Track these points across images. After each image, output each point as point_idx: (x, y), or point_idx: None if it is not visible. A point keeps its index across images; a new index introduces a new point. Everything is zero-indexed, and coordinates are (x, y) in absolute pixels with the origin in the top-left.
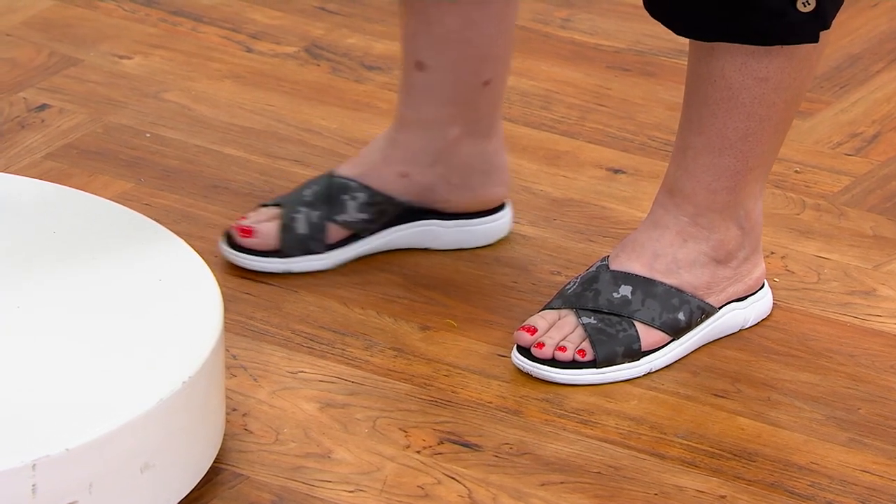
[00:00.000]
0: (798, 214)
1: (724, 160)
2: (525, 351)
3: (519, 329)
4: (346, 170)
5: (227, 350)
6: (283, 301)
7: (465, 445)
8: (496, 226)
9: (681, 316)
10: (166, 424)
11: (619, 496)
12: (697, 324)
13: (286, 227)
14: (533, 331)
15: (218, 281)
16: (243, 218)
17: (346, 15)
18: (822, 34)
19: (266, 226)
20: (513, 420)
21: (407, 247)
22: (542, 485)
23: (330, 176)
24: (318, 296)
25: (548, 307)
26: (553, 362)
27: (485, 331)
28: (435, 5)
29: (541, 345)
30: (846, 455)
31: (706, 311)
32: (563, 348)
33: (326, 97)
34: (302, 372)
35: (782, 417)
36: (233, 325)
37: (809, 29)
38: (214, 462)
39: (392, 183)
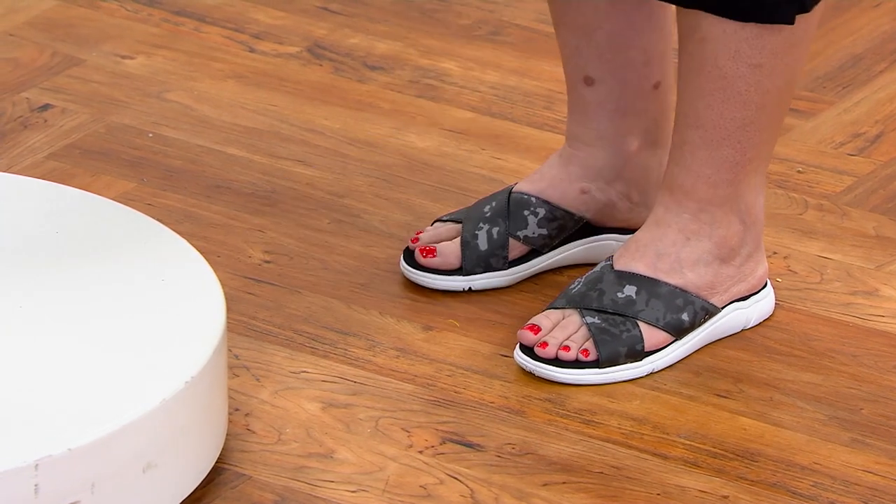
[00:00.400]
0: (801, 214)
1: (723, 152)
2: (528, 350)
3: (523, 328)
4: (525, 186)
5: (230, 350)
6: (286, 301)
7: (468, 445)
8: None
9: (685, 316)
10: (169, 424)
11: (622, 496)
12: (701, 324)
13: (467, 244)
14: (537, 330)
15: (220, 281)
16: (420, 232)
17: (348, 15)
18: (802, 18)
19: (448, 245)
20: (515, 420)
21: (583, 262)
22: (545, 485)
23: (509, 192)
24: (320, 296)
25: (552, 307)
26: (556, 362)
27: (487, 331)
28: (592, 14)
29: (544, 344)
30: (849, 455)
31: (710, 312)
32: (566, 348)
33: (329, 97)
34: (304, 372)
35: (785, 417)
36: (235, 325)
37: (785, 9)
38: (217, 462)
39: (573, 199)
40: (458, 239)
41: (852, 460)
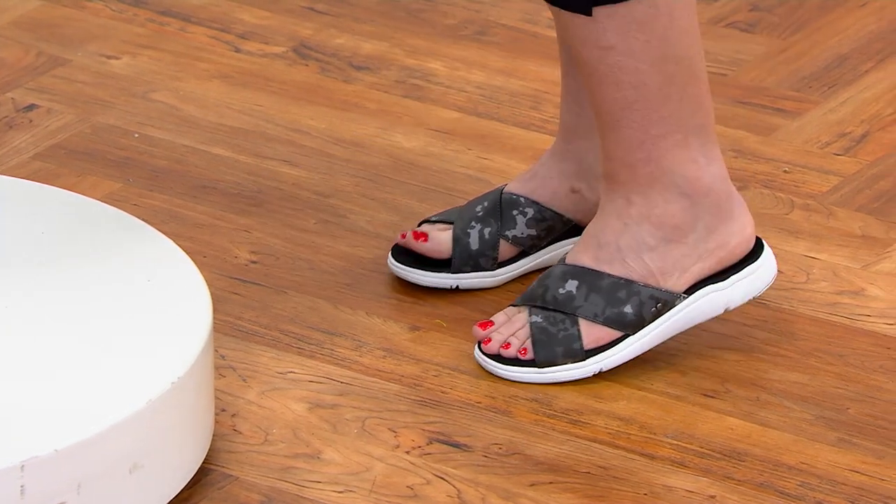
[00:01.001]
0: (787, 214)
1: (622, 133)
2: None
3: (478, 323)
4: (515, 186)
5: (216, 350)
6: (272, 301)
7: (455, 446)
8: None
9: (627, 309)
10: (155, 425)
11: (609, 496)
12: (656, 315)
13: (458, 240)
14: (487, 325)
15: (206, 281)
16: (403, 236)
17: (334, 15)
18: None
19: (440, 234)
20: (502, 420)
21: None
22: (532, 485)
23: (500, 192)
24: (306, 296)
25: (512, 304)
26: (500, 358)
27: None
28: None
29: (488, 340)
30: (835, 455)
31: (661, 300)
32: (507, 345)
33: (315, 97)
34: (291, 372)
35: (771, 417)
36: (221, 325)
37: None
38: (203, 463)
39: (563, 199)
40: (450, 233)
41: (839, 460)
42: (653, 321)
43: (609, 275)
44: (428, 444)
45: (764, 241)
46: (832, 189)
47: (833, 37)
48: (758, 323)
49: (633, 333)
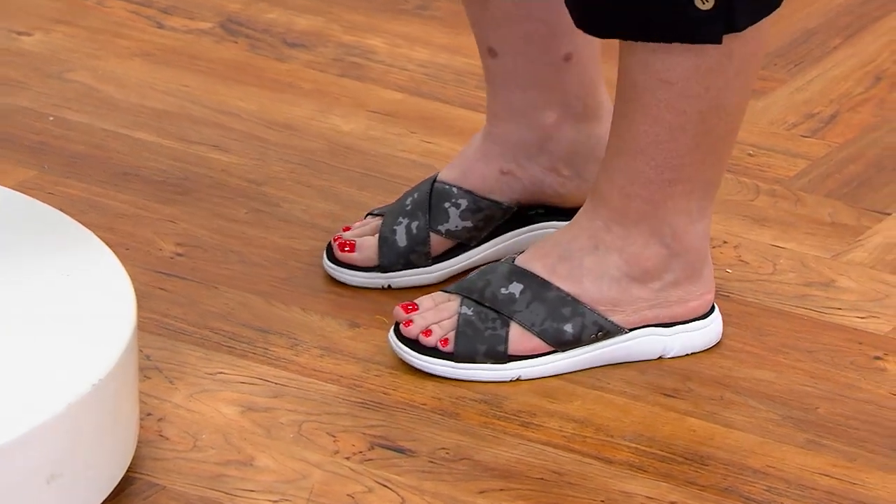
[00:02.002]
0: (752, 200)
1: (637, 164)
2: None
3: (400, 304)
4: (446, 173)
5: (141, 350)
6: (201, 297)
7: (398, 451)
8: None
9: (568, 328)
10: (75, 431)
11: (563, 503)
12: (592, 340)
13: (385, 240)
14: (413, 308)
15: (130, 276)
16: (347, 228)
17: None
18: (729, 38)
19: (367, 240)
20: (449, 423)
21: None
22: (481, 492)
23: (433, 181)
24: (238, 291)
25: (444, 290)
26: (416, 345)
27: None
28: None
29: (408, 322)
30: (804, 457)
31: (604, 329)
32: (428, 332)
33: (245, 77)
34: (221, 373)
35: (736, 418)
36: (146, 323)
37: (710, 29)
38: (127, 471)
39: (494, 183)
40: (377, 235)
41: (808, 463)
42: (587, 346)
43: (558, 288)
44: (369, 450)
45: (716, 306)
46: (800, 173)
47: (799, 10)
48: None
49: (562, 351)
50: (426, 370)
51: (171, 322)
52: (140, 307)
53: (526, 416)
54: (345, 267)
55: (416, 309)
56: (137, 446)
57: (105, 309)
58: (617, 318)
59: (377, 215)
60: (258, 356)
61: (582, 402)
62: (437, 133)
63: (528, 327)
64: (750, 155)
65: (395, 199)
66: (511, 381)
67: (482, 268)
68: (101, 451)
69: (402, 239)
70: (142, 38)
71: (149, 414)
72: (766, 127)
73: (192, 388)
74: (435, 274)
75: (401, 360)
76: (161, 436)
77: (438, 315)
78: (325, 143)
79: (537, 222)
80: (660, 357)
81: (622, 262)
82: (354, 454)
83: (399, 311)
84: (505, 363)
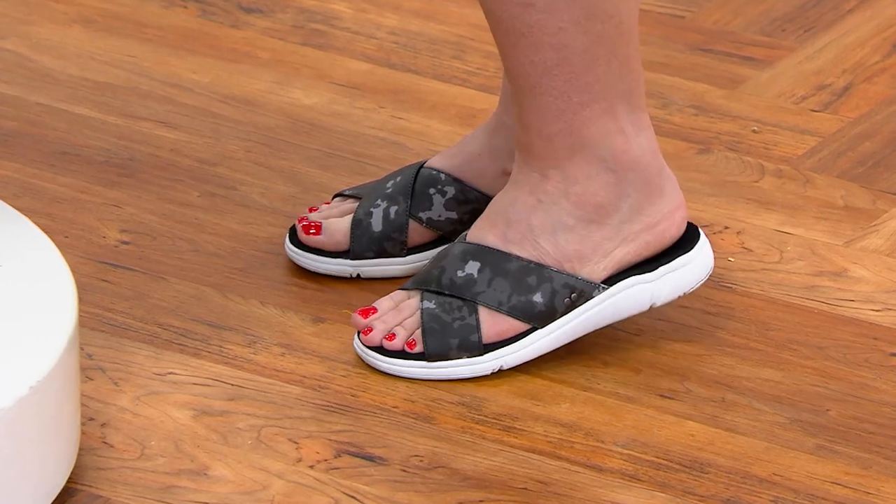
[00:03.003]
0: (756, 182)
1: (542, 100)
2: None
3: (358, 310)
4: (438, 160)
5: (82, 349)
6: (149, 289)
7: (367, 458)
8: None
9: (537, 298)
10: (10, 438)
11: None
12: (570, 307)
13: (359, 223)
14: (369, 312)
15: (70, 266)
16: (313, 209)
17: None
18: None
19: (336, 222)
20: (423, 428)
21: None
22: (459, 503)
23: (419, 166)
24: (189, 283)
25: (401, 287)
26: (382, 350)
27: None
28: None
29: (368, 330)
30: (814, 464)
31: (576, 289)
32: (391, 336)
33: (196, 46)
34: (172, 374)
35: (739, 421)
36: (88, 318)
37: None
38: (68, 482)
39: (492, 181)
40: (350, 217)
41: (818, 470)
42: (565, 314)
43: (518, 257)
44: (336, 458)
45: (700, 230)
46: (809, 152)
47: None
48: (723, 310)
49: (542, 327)
50: (399, 374)
51: (116, 317)
52: (81, 301)
53: (508, 420)
54: (310, 252)
55: (375, 312)
56: (79, 454)
57: (43, 303)
58: (586, 272)
59: (348, 196)
60: (212, 355)
61: (570, 405)
62: (408, 108)
63: (496, 307)
64: (754, 131)
65: (361, 181)
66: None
67: (436, 254)
68: (39, 460)
69: (377, 223)
70: (81, 2)
71: (91, 419)
72: (772, 100)
73: (140, 390)
74: (409, 265)
75: None
76: (105, 443)
77: (399, 315)
78: (285, 119)
79: None
80: (650, 306)
81: (572, 206)
82: (319, 462)
83: (357, 319)
84: (482, 354)
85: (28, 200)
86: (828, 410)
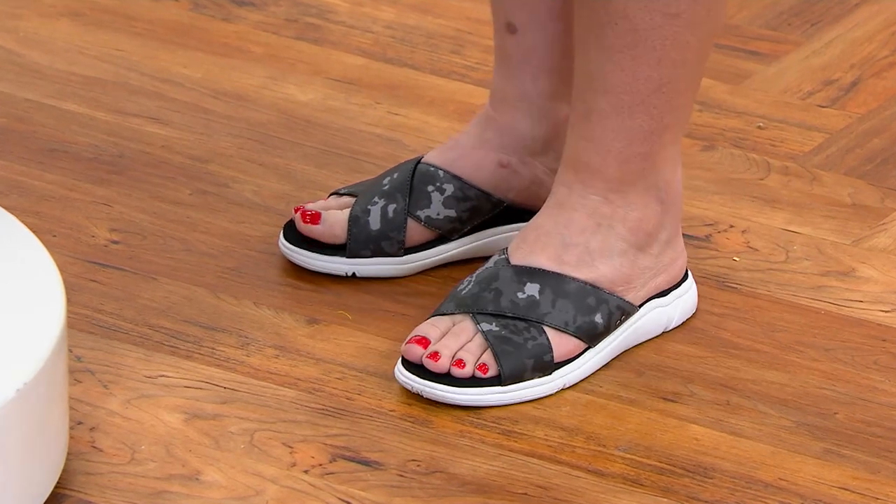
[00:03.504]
0: (762, 179)
1: (637, 121)
2: (413, 366)
3: (408, 341)
4: (434, 156)
5: (71, 351)
6: (139, 290)
7: (363, 463)
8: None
9: (598, 318)
10: None
11: None
12: (616, 326)
13: (356, 220)
14: (425, 342)
15: (58, 266)
16: (308, 202)
17: None
18: None
19: (335, 213)
20: (420, 432)
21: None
22: None
23: (416, 162)
24: (181, 283)
25: (438, 312)
26: (448, 378)
27: (385, 324)
28: None
29: (435, 355)
30: (821, 469)
31: (626, 312)
32: (460, 362)
33: (187, 40)
34: (163, 376)
35: (744, 425)
36: (77, 319)
37: None
38: (55, 487)
39: (490, 175)
40: (347, 211)
41: (825, 475)
42: (611, 334)
43: (575, 279)
44: (331, 462)
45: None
46: (816, 149)
47: None
48: (728, 311)
49: (594, 346)
50: (472, 404)
51: (106, 318)
52: (70, 302)
53: (508, 424)
54: (304, 248)
55: (428, 341)
56: (67, 459)
57: (30, 304)
58: (631, 297)
59: (343, 195)
60: (204, 357)
61: (571, 408)
62: (405, 103)
63: (563, 328)
64: (760, 128)
65: (358, 179)
66: (556, 392)
67: (475, 278)
68: (27, 465)
69: (375, 221)
70: None
71: (80, 422)
72: (779, 96)
73: (130, 393)
74: (406, 266)
75: (366, 361)
76: (94, 447)
77: (457, 340)
78: (279, 116)
79: (526, 220)
80: (664, 329)
81: (627, 233)
82: (314, 467)
83: (414, 349)
84: (551, 373)
85: (15, 198)
86: (835, 414)
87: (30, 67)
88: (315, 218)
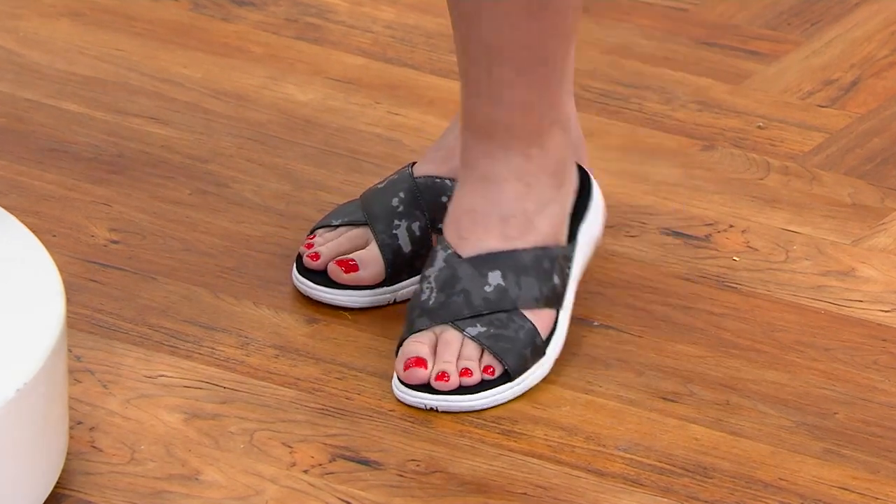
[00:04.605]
0: (761, 179)
1: (541, 71)
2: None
3: (405, 367)
4: (429, 167)
5: (70, 350)
6: (139, 290)
7: (363, 463)
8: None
9: (556, 279)
10: None
11: None
12: (567, 276)
13: (387, 247)
14: (423, 362)
15: (58, 266)
16: (309, 245)
17: None
18: None
19: (366, 254)
20: (420, 432)
21: None
22: None
23: (408, 177)
24: (181, 283)
25: (415, 329)
26: (460, 388)
27: (385, 323)
28: None
29: (443, 375)
30: (821, 469)
31: (568, 257)
32: (466, 371)
33: (187, 40)
34: (162, 376)
35: (744, 425)
36: (77, 319)
37: None
38: (55, 487)
39: None
40: (374, 244)
41: (825, 475)
42: (567, 286)
43: (525, 250)
44: (330, 462)
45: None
46: (816, 148)
47: None
48: (727, 311)
49: (561, 306)
50: (490, 406)
51: (105, 318)
52: (69, 301)
53: (507, 424)
54: (335, 286)
55: (425, 360)
56: (67, 459)
57: (30, 304)
58: (563, 238)
59: (336, 226)
60: (204, 357)
61: (570, 408)
62: (405, 103)
63: (536, 305)
64: (760, 127)
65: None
66: (556, 392)
67: (434, 284)
68: (27, 465)
69: (406, 244)
70: None
71: (79, 422)
72: (778, 95)
73: (129, 392)
74: None
75: (366, 361)
76: (94, 447)
77: (451, 351)
78: (279, 115)
79: None
80: (594, 248)
81: (551, 179)
82: (313, 467)
83: (417, 372)
84: (543, 354)
85: (15, 198)
86: (835, 414)
87: (29, 67)
88: (354, 266)
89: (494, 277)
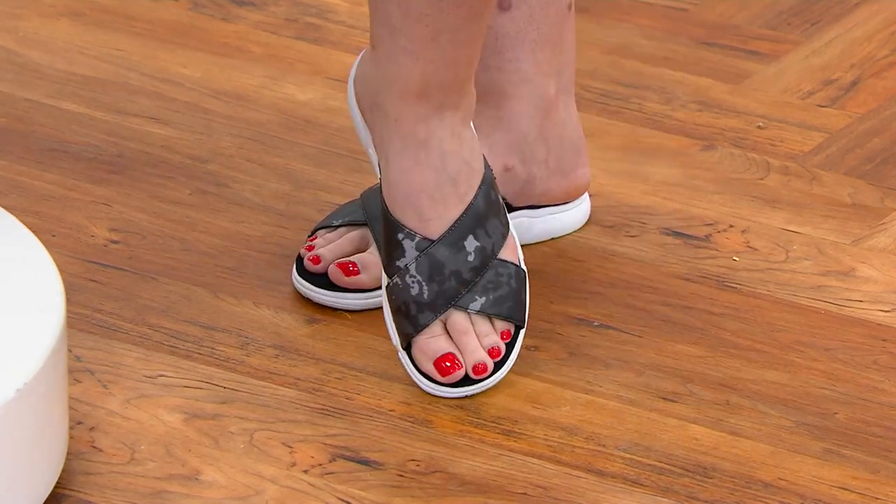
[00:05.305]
0: (761, 179)
1: (480, 24)
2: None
3: (441, 371)
4: None
5: (70, 350)
6: (139, 290)
7: (363, 463)
8: (583, 208)
9: (500, 198)
10: None
11: None
12: (496, 192)
13: None
14: (451, 357)
15: (58, 266)
16: (310, 248)
17: None
18: None
19: (367, 257)
20: (420, 431)
21: None
22: None
23: None
24: (181, 283)
25: (422, 325)
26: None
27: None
28: None
29: (482, 368)
30: (821, 469)
31: (486, 179)
32: (495, 351)
33: (187, 40)
34: (162, 376)
35: (744, 425)
36: (77, 319)
37: None
38: (55, 487)
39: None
40: (374, 248)
41: (825, 475)
42: (497, 190)
43: (475, 196)
44: (330, 462)
45: None
46: (816, 148)
47: None
48: (727, 311)
49: (510, 221)
50: (512, 363)
51: (105, 318)
52: (69, 301)
53: (507, 424)
54: (338, 289)
55: (454, 355)
56: (67, 459)
57: (29, 304)
58: (480, 153)
59: (336, 227)
60: (204, 357)
61: (570, 408)
62: None
63: (503, 238)
64: (759, 127)
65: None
66: (556, 392)
67: (420, 277)
68: (26, 465)
69: None
70: None
71: (79, 422)
72: (778, 95)
73: (129, 392)
74: None
75: (366, 361)
76: (94, 447)
77: (471, 337)
78: (279, 115)
79: (510, 212)
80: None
81: (468, 117)
82: (313, 467)
83: (455, 371)
84: (525, 280)
85: (15, 198)
86: (835, 414)
87: (29, 67)
88: (356, 270)
89: (470, 244)
